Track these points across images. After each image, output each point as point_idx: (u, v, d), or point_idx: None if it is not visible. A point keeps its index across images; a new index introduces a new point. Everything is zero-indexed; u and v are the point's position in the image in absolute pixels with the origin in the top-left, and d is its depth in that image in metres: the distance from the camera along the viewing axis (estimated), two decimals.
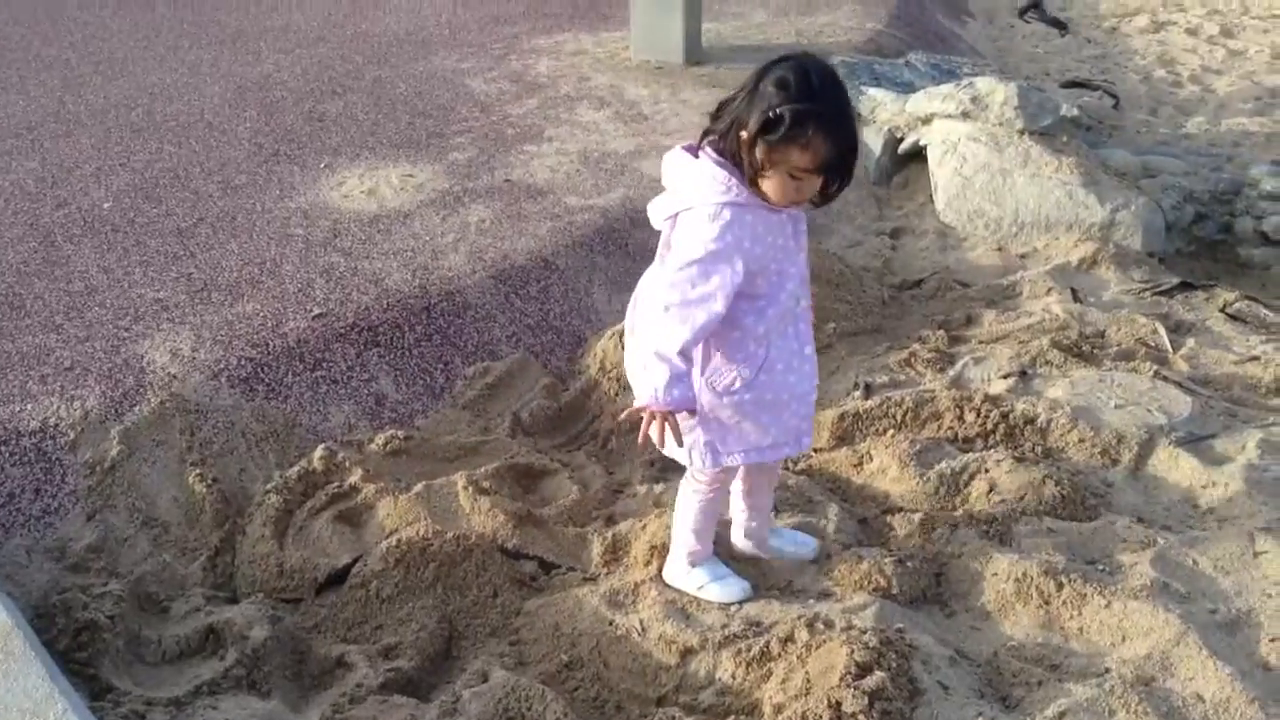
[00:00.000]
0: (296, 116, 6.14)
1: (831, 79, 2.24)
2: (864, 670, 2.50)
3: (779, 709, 2.49)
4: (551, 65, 7.24)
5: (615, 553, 3.13)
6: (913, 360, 4.22)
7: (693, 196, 2.32)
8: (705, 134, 2.37)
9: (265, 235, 4.54)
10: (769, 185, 2.26)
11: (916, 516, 3.23)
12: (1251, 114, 7.03)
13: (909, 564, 2.99)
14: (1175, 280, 4.86)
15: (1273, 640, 2.71)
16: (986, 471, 3.40)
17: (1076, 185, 5.13)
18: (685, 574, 2.86)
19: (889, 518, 3.30)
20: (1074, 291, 4.71)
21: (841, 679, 2.48)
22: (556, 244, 4.54)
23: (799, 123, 2.17)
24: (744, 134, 2.23)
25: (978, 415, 3.71)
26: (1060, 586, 2.89)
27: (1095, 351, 4.23)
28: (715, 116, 2.35)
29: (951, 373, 4.10)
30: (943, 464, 3.46)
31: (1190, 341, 4.33)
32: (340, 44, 7.86)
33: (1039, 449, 3.59)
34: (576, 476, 3.52)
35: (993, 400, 3.78)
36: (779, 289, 2.40)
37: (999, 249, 5.24)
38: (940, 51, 7.79)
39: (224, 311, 3.89)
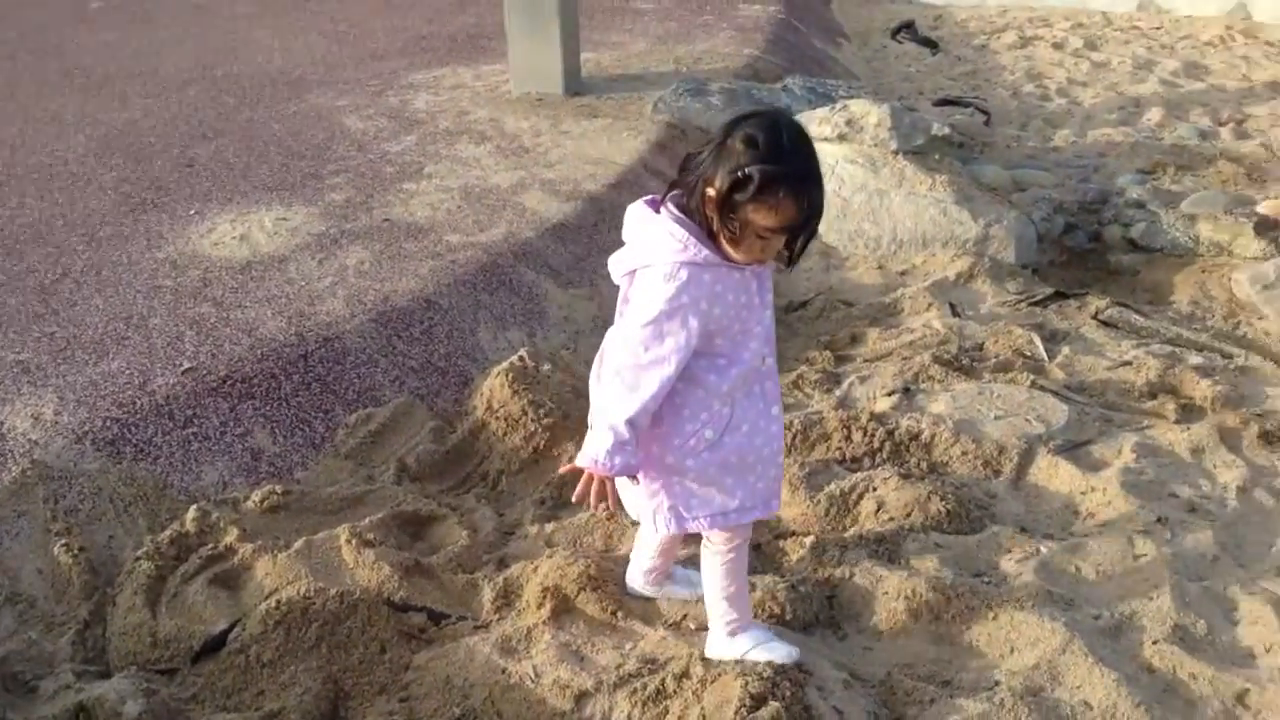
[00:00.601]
0: (165, 163, 5.97)
1: (801, 137, 2.19)
2: (759, 701, 2.48)
3: None
4: (430, 100, 7.17)
5: (507, 597, 3.06)
6: (800, 382, 4.24)
7: (651, 254, 2.27)
8: (671, 187, 2.30)
9: (132, 288, 4.38)
10: (735, 244, 2.21)
11: (808, 540, 3.23)
12: (1116, 124, 7.28)
13: (801, 589, 2.99)
14: (1049, 290, 4.99)
15: (1155, 643, 2.77)
16: (874, 490, 3.42)
17: (950, 202, 5.24)
18: (727, 645, 2.71)
19: (781, 543, 3.30)
20: (952, 306, 4.80)
21: (736, 712, 2.46)
22: (439, 283, 4.47)
23: (768, 184, 2.11)
24: (710, 191, 2.18)
25: (864, 434, 3.74)
26: (949, 601, 2.92)
27: (974, 364, 4.31)
28: (682, 169, 2.29)
29: (838, 393, 4.14)
30: (832, 485, 3.47)
31: (1065, 349, 4.44)
32: (210, 86, 7.68)
33: (924, 464, 3.64)
34: (466, 521, 3.45)
35: (878, 418, 3.81)
36: (742, 348, 2.34)
37: (879, 267, 5.32)
38: (817, 75, 7.93)
39: (88, 371, 3.73)
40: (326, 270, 4.54)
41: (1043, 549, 3.15)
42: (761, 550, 3.31)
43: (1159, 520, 3.24)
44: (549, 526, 3.41)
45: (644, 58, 8.18)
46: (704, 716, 2.50)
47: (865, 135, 5.48)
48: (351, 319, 4.14)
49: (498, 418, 3.81)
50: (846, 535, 3.26)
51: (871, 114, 5.49)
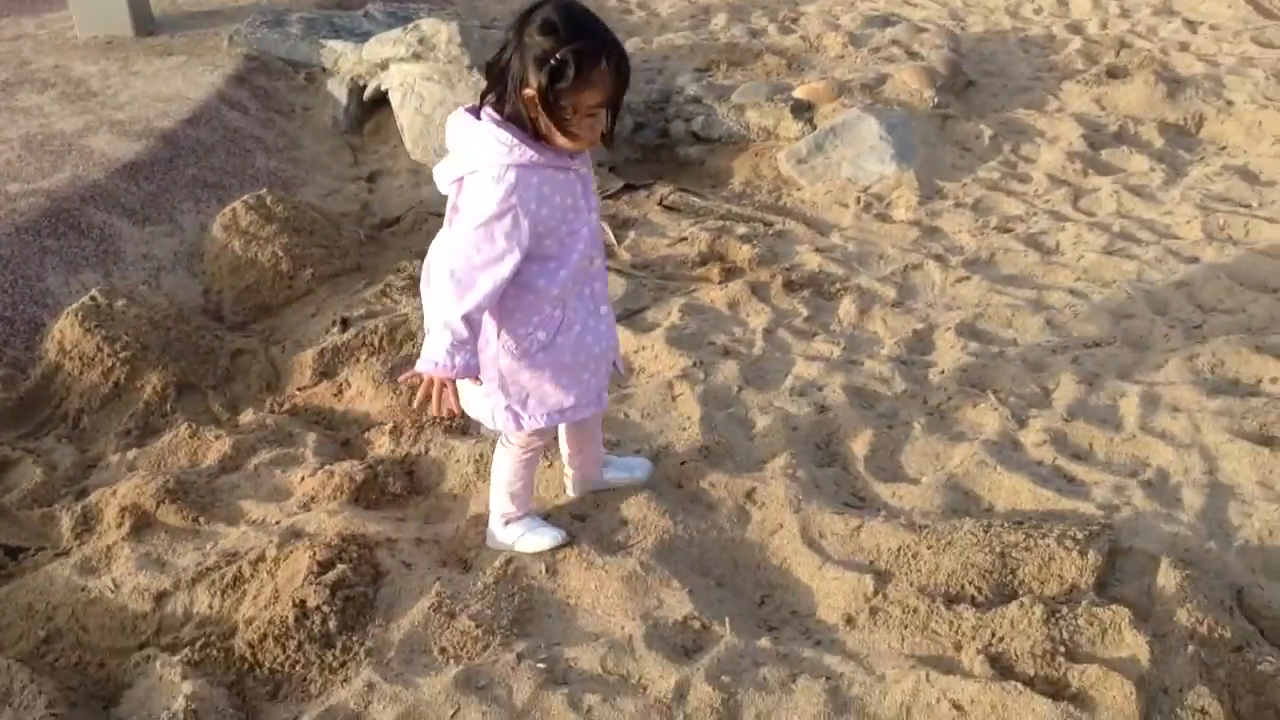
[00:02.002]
0: None
1: (586, 10, 2.20)
2: (326, 567, 2.70)
3: (250, 622, 2.63)
4: None
5: (87, 523, 3.10)
6: (388, 290, 4.43)
7: (477, 160, 2.26)
8: (484, 96, 2.29)
9: None
10: (568, 132, 2.22)
11: (388, 427, 3.46)
12: (684, 30, 7.85)
13: (379, 468, 3.22)
14: (620, 184, 5.42)
15: (683, 464, 3.21)
16: None
17: None
18: (501, 532, 2.85)
19: (367, 434, 3.51)
20: None
21: (305, 580, 2.66)
22: None
23: (584, 61, 2.13)
24: (529, 91, 2.18)
25: None
26: None
27: None
28: (489, 77, 2.27)
29: None
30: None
31: (632, 234, 4.87)
32: None
33: None
34: (43, 460, 3.42)
35: None
36: (570, 250, 2.38)
37: None
38: (405, 1, 8.00)
39: None
40: None
41: None
42: (350, 444, 3.52)
43: (695, 364, 3.71)
44: (131, 454, 3.44)
45: None
46: (277, 590, 2.69)
47: (439, 52, 5.67)
48: None
49: (71, 358, 3.75)
50: (424, 417, 3.51)
51: (442, 31, 5.68)
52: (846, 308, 4.14)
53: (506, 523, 2.85)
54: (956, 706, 2.31)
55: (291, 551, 2.78)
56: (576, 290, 2.46)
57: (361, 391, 3.70)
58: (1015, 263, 4.44)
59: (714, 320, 4.06)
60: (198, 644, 2.61)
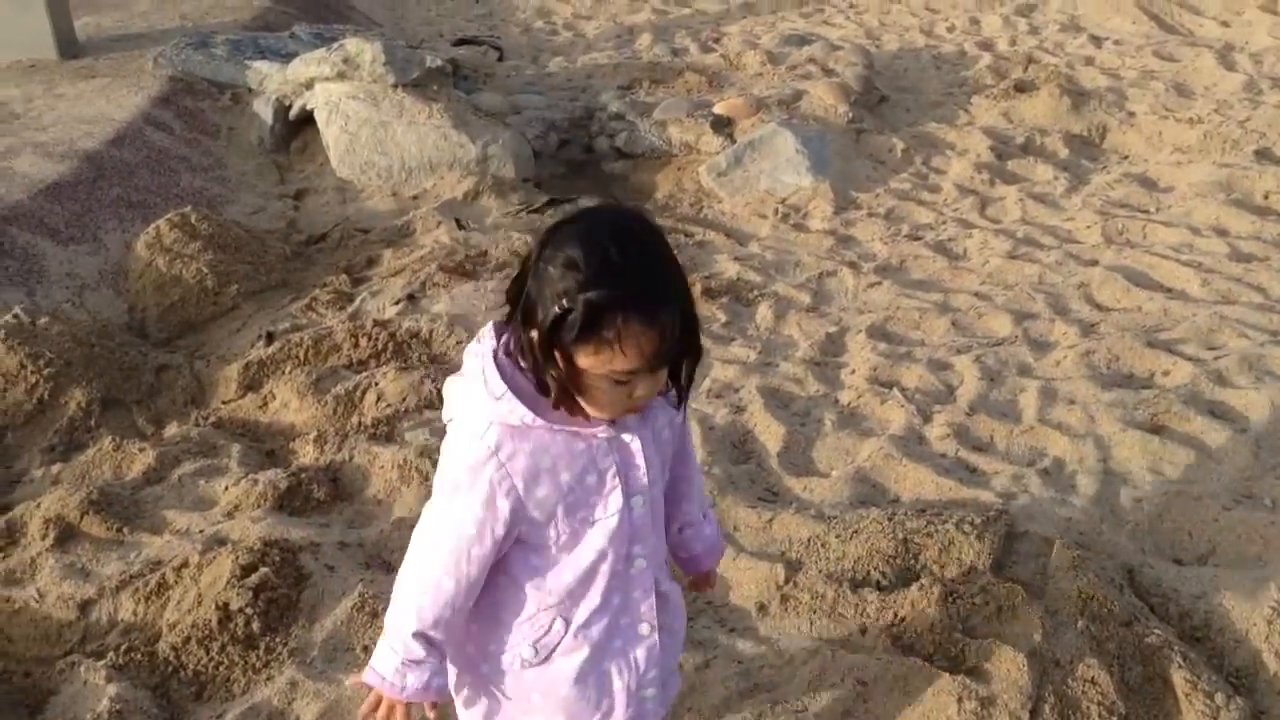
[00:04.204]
0: None
1: (639, 234, 1.54)
2: (248, 571, 2.75)
3: (174, 626, 2.67)
4: None
5: (11, 535, 3.12)
6: (314, 304, 4.48)
7: (460, 403, 1.65)
8: (509, 317, 1.63)
9: None
10: (587, 398, 1.57)
11: (312, 435, 3.51)
12: (609, 49, 7.99)
13: (302, 475, 3.27)
14: (545, 199, 5.52)
15: None
16: (376, 384, 3.75)
17: (449, 127, 5.62)
18: None
19: (292, 444, 3.56)
20: (458, 221, 5.20)
21: (228, 583, 2.71)
22: None
23: (602, 318, 1.48)
24: (534, 334, 1.54)
25: (370, 339, 4.05)
26: (436, 464, 3.30)
27: (477, 268, 4.74)
28: (508, 295, 1.63)
29: (350, 309, 4.42)
30: (338, 387, 3.76)
31: None
32: None
33: (425, 357, 4.01)
34: None
35: (382, 324, 4.14)
36: (580, 541, 1.67)
37: (393, 194, 5.63)
38: (331, 23, 8.05)
39: None
40: None
41: None
42: (275, 454, 3.56)
43: None
44: (56, 468, 3.46)
45: (148, 16, 7.92)
46: (200, 595, 2.74)
47: (363, 71, 5.73)
48: None
49: None
50: (349, 426, 3.57)
51: (366, 51, 5.75)
52: (763, 313, 4.27)
53: None
54: (861, 683, 2.42)
55: (215, 557, 2.82)
56: (600, 599, 1.71)
57: (286, 403, 3.75)
58: (924, 268, 4.61)
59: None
60: (122, 649, 2.64)
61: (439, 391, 3.69)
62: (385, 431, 3.51)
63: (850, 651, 2.51)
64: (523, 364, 1.58)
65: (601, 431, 1.62)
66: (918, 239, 4.89)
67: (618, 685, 1.75)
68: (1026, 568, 2.77)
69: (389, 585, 2.82)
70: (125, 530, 3.10)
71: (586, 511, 1.66)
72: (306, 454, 3.45)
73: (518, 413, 1.57)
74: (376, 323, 4.15)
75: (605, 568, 1.69)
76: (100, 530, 3.09)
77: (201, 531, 3.07)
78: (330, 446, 3.43)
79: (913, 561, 2.78)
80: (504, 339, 1.62)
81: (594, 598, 1.70)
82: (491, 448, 1.58)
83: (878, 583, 2.74)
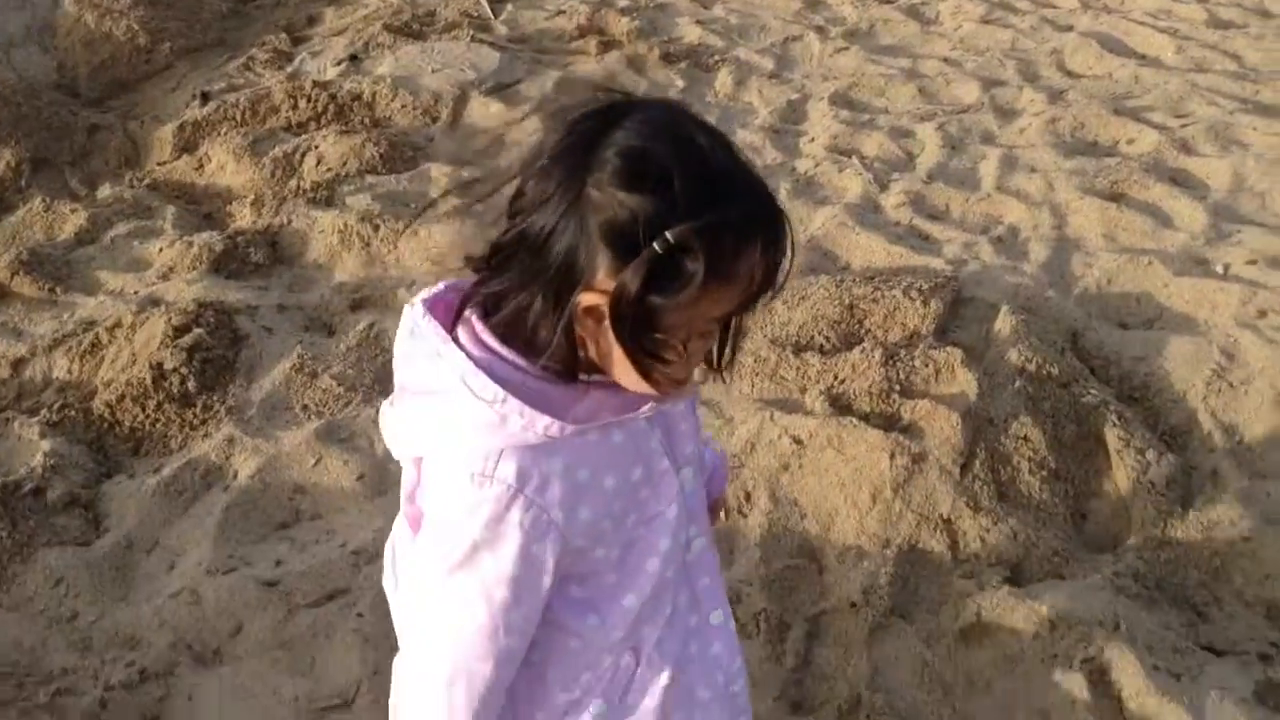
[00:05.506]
0: None
1: (705, 124, 1.10)
2: (182, 331, 2.70)
3: (108, 384, 2.63)
4: None
5: None
6: (251, 64, 4.29)
7: (442, 435, 1.18)
8: (466, 299, 1.15)
9: None
10: (657, 371, 1.11)
11: (249, 199, 3.40)
12: None
13: (239, 239, 3.18)
14: None
15: None
16: (316, 148, 3.61)
17: None
18: None
19: (229, 207, 3.45)
20: None
21: (161, 343, 2.66)
22: None
23: (723, 244, 1.05)
24: (591, 297, 1.06)
25: (309, 101, 3.88)
26: (377, 229, 3.21)
27: (424, 29, 4.51)
28: (491, 266, 1.12)
29: (290, 69, 4.22)
30: (276, 150, 3.62)
31: (510, 7, 4.73)
32: None
33: (367, 120, 3.85)
34: None
35: (323, 85, 3.96)
36: (642, 554, 1.26)
37: None
38: None
39: None
40: None
41: (465, 173, 3.50)
42: (212, 217, 3.46)
43: None
44: None
45: None
46: (134, 355, 2.69)
47: None
48: None
49: None
50: (287, 189, 3.45)
51: None
52: (723, 79, 4.11)
53: None
54: (796, 440, 2.42)
55: (148, 318, 2.76)
56: (660, 612, 1.31)
57: (223, 165, 3.62)
58: (894, 33, 4.42)
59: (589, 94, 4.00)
60: (56, 406, 2.61)
61: (381, 155, 3.57)
62: (325, 196, 3.40)
63: (788, 412, 2.50)
64: (533, 348, 1.12)
65: (645, 408, 1.17)
66: (889, 2, 4.68)
67: (707, 696, 1.37)
68: (969, 332, 2.75)
69: (328, 348, 2.82)
70: (58, 290, 3.02)
71: (638, 512, 1.24)
72: (244, 217, 3.35)
73: (537, 425, 1.10)
74: (317, 84, 3.96)
75: (668, 570, 1.28)
76: (32, 290, 3.01)
77: (136, 292, 3.01)
78: (268, 210, 3.33)
79: (857, 326, 2.75)
80: (487, 324, 1.13)
81: (662, 608, 1.30)
82: (512, 486, 1.12)
83: (821, 347, 2.71)
